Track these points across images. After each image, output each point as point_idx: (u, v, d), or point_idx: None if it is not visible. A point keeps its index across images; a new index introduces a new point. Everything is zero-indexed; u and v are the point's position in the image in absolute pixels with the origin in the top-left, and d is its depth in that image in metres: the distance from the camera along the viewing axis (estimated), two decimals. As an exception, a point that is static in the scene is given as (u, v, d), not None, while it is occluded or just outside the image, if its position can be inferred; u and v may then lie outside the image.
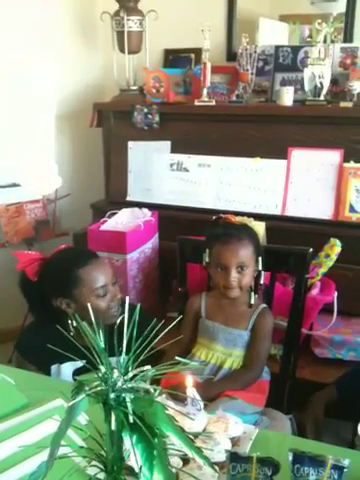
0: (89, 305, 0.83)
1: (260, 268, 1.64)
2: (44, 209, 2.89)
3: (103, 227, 2.33)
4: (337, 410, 1.74)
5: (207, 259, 1.65)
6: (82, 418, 1.06)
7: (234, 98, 2.61)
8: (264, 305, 1.67)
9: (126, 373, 0.67)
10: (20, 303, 1.79)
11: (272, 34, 2.77)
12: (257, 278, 1.66)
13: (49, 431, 1.10)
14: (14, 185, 2.80)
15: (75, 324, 1.56)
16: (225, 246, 1.58)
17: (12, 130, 2.80)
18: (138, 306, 0.74)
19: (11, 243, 2.76)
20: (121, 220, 2.40)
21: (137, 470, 0.63)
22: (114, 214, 2.43)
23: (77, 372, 1.59)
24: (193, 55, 2.89)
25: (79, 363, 1.56)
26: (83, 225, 2.58)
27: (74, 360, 0.77)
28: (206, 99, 2.58)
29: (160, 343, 0.78)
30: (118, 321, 0.71)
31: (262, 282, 1.68)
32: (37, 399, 1.29)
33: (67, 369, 1.62)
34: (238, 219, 1.79)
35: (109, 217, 2.42)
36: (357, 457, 1.01)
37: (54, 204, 2.96)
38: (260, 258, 1.63)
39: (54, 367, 1.63)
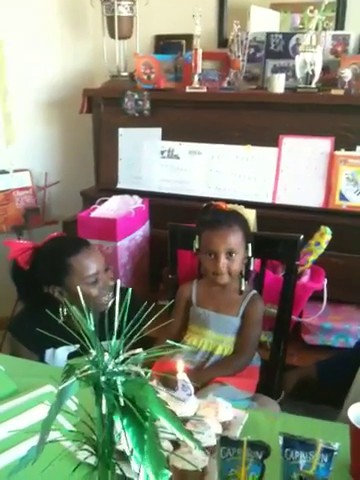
0: (80, 292, 0.82)
1: (250, 255, 1.64)
2: (34, 196, 2.87)
3: (93, 214, 2.32)
4: (318, 395, 1.77)
5: (197, 245, 1.65)
6: (72, 404, 1.06)
7: (225, 85, 2.59)
8: (254, 291, 1.67)
9: (117, 356, 0.66)
10: (10, 291, 1.77)
11: (263, 22, 2.75)
12: (247, 265, 1.66)
13: (39, 416, 1.10)
14: (3, 172, 2.78)
15: (66, 311, 1.57)
16: (214, 232, 1.58)
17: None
18: (129, 290, 0.73)
19: (0, 231, 2.74)
20: (111, 207, 2.38)
21: (128, 454, 0.63)
22: (104, 201, 2.42)
23: (72, 356, 1.59)
24: (184, 41, 2.86)
25: (73, 348, 1.57)
26: (73, 212, 2.56)
27: (68, 344, 0.77)
28: (197, 86, 2.56)
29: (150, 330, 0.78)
30: (109, 304, 0.71)
31: (252, 268, 1.68)
32: (27, 385, 1.29)
33: (62, 353, 1.63)
34: (229, 206, 1.78)
35: (99, 204, 2.40)
36: (345, 432, 1.02)
37: (44, 191, 2.94)
38: (250, 245, 1.63)
39: (49, 351, 1.64)
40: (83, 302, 0.72)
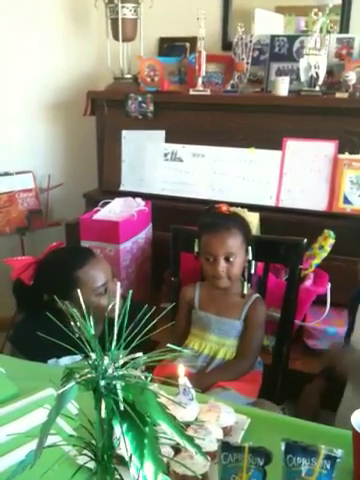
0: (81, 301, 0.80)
1: (250, 258, 1.63)
2: (36, 198, 2.87)
3: (96, 216, 2.31)
4: (332, 400, 1.74)
5: (197, 249, 1.64)
6: (73, 408, 1.05)
7: (229, 88, 2.59)
8: (257, 295, 1.66)
9: (117, 360, 0.66)
10: (10, 291, 1.76)
11: (268, 25, 2.75)
12: (248, 268, 1.65)
13: (39, 420, 1.09)
14: (6, 174, 2.78)
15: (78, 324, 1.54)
16: (213, 235, 1.58)
17: (2, 119, 2.76)
18: (130, 293, 0.72)
19: (3, 232, 2.74)
20: (114, 210, 2.38)
21: (127, 459, 0.62)
22: (107, 204, 2.41)
23: None
24: (188, 44, 2.86)
25: (77, 357, 1.55)
26: (76, 215, 2.55)
27: (72, 354, 0.76)
28: (201, 88, 2.56)
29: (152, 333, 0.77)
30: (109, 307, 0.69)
31: (253, 271, 1.67)
32: (27, 388, 1.28)
33: (65, 363, 1.60)
34: (231, 209, 1.77)
35: (102, 207, 2.40)
36: (347, 438, 1.01)
37: (47, 193, 2.93)
38: (250, 248, 1.61)
39: (51, 362, 1.61)
40: (93, 314, 0.71)
